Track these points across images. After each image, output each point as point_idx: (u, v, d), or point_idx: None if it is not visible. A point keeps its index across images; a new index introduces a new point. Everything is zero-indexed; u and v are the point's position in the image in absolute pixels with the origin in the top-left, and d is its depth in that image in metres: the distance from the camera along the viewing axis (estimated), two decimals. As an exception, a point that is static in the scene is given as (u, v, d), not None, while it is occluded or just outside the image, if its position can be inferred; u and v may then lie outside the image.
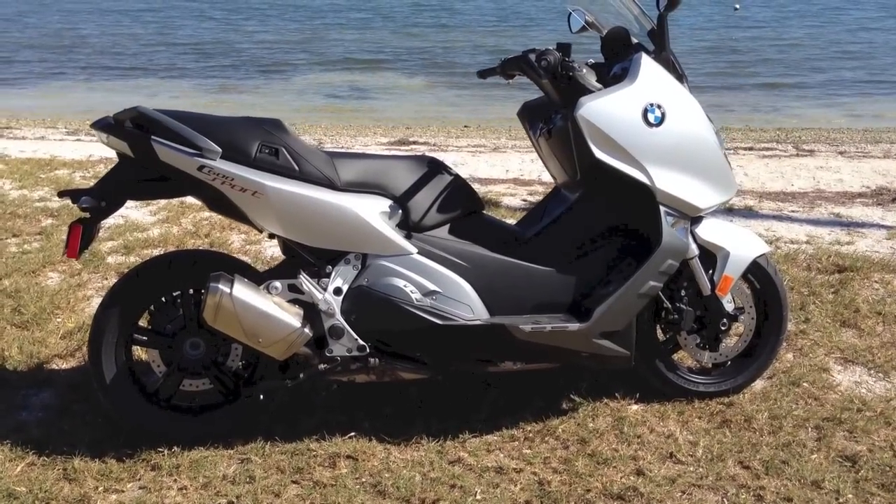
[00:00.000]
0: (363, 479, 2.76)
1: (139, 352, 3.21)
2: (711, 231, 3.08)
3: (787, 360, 3.53)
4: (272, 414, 3.06)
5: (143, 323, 2.96)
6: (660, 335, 3.25)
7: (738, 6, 26.38)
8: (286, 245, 2.85)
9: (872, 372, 3.46)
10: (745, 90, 14.48)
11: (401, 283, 2.81)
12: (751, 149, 9.07)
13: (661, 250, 2.87)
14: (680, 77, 2.96)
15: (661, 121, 2.82)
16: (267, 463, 2.83)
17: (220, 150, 2.64)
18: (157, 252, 4.66)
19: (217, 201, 2.72)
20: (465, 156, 8.43)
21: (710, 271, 3.10)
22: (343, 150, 3.08)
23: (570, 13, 3.15)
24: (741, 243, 3.11)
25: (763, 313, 3.23)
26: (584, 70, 2.92)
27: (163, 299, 2.89)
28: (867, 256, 4.69)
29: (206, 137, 2.64)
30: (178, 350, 2.87)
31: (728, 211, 5.90)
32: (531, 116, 3.20)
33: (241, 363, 2.95)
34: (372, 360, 2.83)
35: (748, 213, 5.89)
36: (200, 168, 2.64)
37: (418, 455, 2.89)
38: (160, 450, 2.85)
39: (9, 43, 20.38)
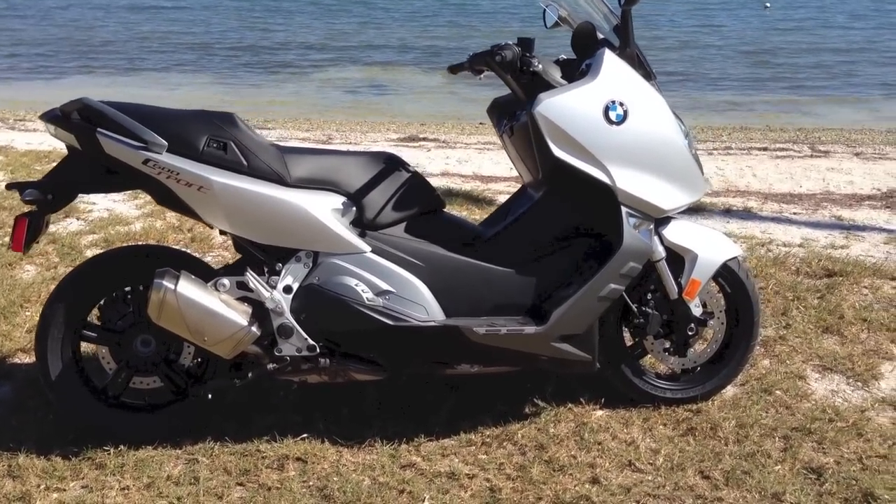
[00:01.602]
0: (310, 483, 2.69)
1: (90, 348, 3.16)
2: (679, 233, 2.99)
3: (762, 366, 3.43)
4: (225, 412, 3.01)
5: (95, 319, 2.91)
6: (628, 339, 3.16)
7: (768, 4, 26.11)
8: (237, 242, 2.79)
9: (851, 380, 3.35)
10: (771, 90, 14.28)
11: (352, 282, 2.74)
12: (765, 149, 8.92)
13: (622, 252, 2.78)
14: (647, 74, 2.87)
15: (623, 119, 2.73)
16: (214, 464, 2.77)
17: (165, 143, 2.59)
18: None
19: (164, 196, 2.66)
20: (471, 153, 8.35)
21: (679, 275, 3.00)
22: (297, 146, 2.99)
23: (545, 8, 3.07)
24: (710, 246, 3.02)
25: (734, 319, 3.14)
26: (547, 66, 2.83)
27: (113, 295, 2.84)
28: (859, 261, 4.57)
29: (153, 130, 2.59)
30: (128, 347, 2.82)
31: (726, 212, 5.80)
32: (499, 113, 3.12)
33: (194, 361, 2.89)
34: (322, 360, 2.77)
35: (746, 215, 5.77)
36: (145, 161, 2.58)
37: (370, 458, 2.83)
38: (106, 448, 2.80)
39: (35, 36, 20.55)
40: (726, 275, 3.08)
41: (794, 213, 5.86)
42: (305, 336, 2.74)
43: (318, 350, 2.76)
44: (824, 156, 8.32)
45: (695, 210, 5.75)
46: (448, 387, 3.22)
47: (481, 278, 2.84)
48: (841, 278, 4.30)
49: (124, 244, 4.61)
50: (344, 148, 8.95)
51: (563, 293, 2.81)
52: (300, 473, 2.74)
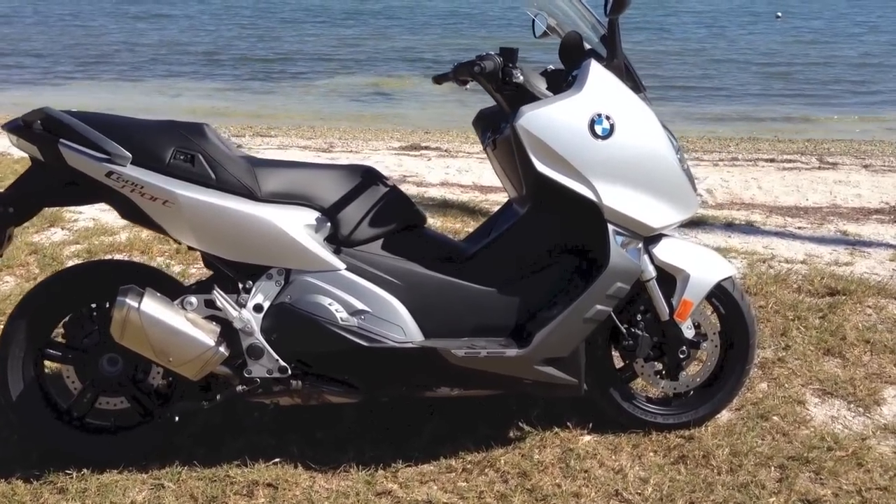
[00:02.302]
0: (280, 511, 2.57)
1: (55, 366, 3.04)
2: (670, 252, 2.86)
3: (759, 390, 3.29)
4: (196, 434, 2.89)
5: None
6: (618, 361, 3.03)
7: (779, 14, 25.98)
8: (206, 258, 2.68)
9: (852, 406, 3.21)
10: (781, 101, 14.16)
11: (325, 300, 2.62)
12: (773, 160, 8.79)
13: (609, 272, 2.65)
14: (636, 86, 2.74)
15: (609, 133, 2.61)
16: (180, 489, 2.65)
17: (129, 155, 2.47)
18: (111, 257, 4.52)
19: (129, 210, 2.55)
20: (472, 162, 8.23)
21: (671, 295, 2.87)
22: (270, 159, 2.87)
23: (534, 18, 2.95)
24: (703, 265, 2.89)
25: (728, 341, 3.00)
26: (532, 77, 2.71)
27: (78, 312, 2.72)
28: (864, 279, 4.42)
29: (117, 141, 2.48)
30: (94, 366, 2.71)
31: (728, 226, 5.66)
32: (484, 125, 3.00)
33: (163, 381, 2.77)
34: (294, 382, 2.65)
35: (749, 229, 5.62)
36: (109, 174, 2.47)
37: (345, 485, 2.70)
38: (69, 472, 2.69)
39: (42, 43, 20.62)
40: (720, 295, 2.95)
41: (799, 228, 5.72)
42: (276, 357, 2.62)
43: (289, 372, 2.64)
44: (832, 168, 8.17)
45: (696, 224, 5.63)
46: (430, 409, 3.09)
47: (462, 298, 2.72)
48: (844, 297, 4.15)
49: (106, 256, 4.51)
50: (344, 156, 8.86)
51: (548, 314, 2.68)
52: (270, 500, 2.61)
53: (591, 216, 2.66)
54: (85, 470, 2.70)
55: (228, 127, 11.62)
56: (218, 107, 13.72)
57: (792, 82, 15.97)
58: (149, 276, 2.72)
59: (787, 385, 3.33)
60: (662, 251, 2.84)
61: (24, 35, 22.31)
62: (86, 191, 2.56)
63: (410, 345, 2.65)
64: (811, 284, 4.31)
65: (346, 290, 2.64)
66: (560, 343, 2.68)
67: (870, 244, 5.26)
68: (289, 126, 11.77)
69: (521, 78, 2.60)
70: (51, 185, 2.59)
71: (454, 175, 7.49)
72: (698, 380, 3.02)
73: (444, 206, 6.09)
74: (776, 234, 5.54)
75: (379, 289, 2.67)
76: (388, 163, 8.00)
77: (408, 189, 6.61)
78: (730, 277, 2.94)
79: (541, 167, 2.59)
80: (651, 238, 2.82)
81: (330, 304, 2.62)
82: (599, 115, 2.59)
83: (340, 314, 2.62)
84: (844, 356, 3.58)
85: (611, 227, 2.66)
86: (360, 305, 2.64)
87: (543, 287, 2.74)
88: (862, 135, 11.33)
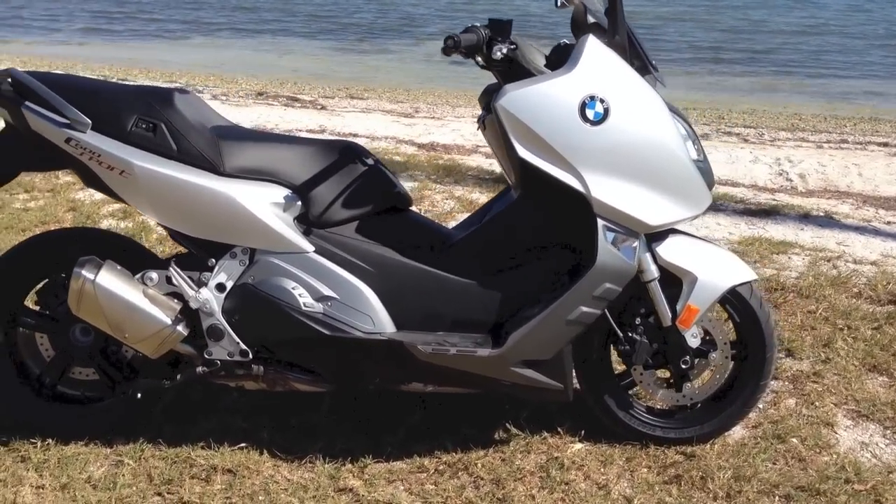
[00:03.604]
0: (233, 500, 2.46)
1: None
2: (677, 251, 2.58)
3: (784, 407, 2.98)
4: (168, 412, 2.82)
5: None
6: (618, 367, 2.79)
7: None
8: (171, 232, 2.57)
9: (888, 433, 2.87)
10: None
11: (289, 284, 2.47)
12: (886, 144, 8.15)
13: (595, 271, 2.41)
14: (643, 67, 2.47)
15: (602, 117, 2.35)
16: (139, 468, 2.58)
17: (89, 121, 2.38)
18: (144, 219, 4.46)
19: (89, 178, 2.47)
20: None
21: (676, 299, 2.61)
22: (246, 130, 2.72)
23: None
24: (715, 268, 2.60)
25: (743, 353, 2.72)
26: (529, 51, 2.47)
27: (55, 279, 2.66)
28: (937, 287, 3.99)
29: (80, 107, 2.38)
30: (66, 335, 2.65)
31: (803, 217, 5.21)
32: (486, 102, 2.77)
33: (137, 355, 2.69)
34: (256, 367, 2.53)
35: (826, 222, 5.17)
36: (67, 140, 2.38)
37: (307, 477, 2.58)
38: (34, 441, 2.65)
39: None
40: (735, 302, 2.66)
41: (888, 223, 5.23)
42: (237, 340, 2.50)
43: (250, 356, 2.51)
44: (958, 158, 7.49)
45: (767, 213, 5.23)
46: (421, 401, 2.92)
47: (439, 289, 2.53)
48: (908, 307, 3.75)
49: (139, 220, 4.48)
50: (424, 122, 8.70)
51: (527, 313, 2.47)
52: (225, 488, 2.51)
53: (581, 208, 2.42)
54: (50, 441, 2.66)
55: (325, 86, 11.62)
56: (318, 64, 13.82)
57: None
58: (122, 248, 2.64)
59: (817, 403, 3.01)
60: (668, 250, 2.57)
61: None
62: (51, 156, 2.48)
63: (377, 337, 2.48)
64: (874, 290, 3.91)
65: (313, 273, 2.49)
66: (539, 345, 2.47)
67: (963, 250, 4.76)
68: (385, 88, 11.68)
69: (502, 54, 2.35)
70: (23, 149, 2.52)
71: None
72: (706, 392, 2.75)
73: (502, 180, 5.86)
74: (857, 228, 5.08)
75: (349, 275, 2.51)
76: (465, 131, 7.79)
77: (477, 160, 6.40)
78: (748, 282, 2.65)
79: (523, 152, 2.36)
80: (656, 235, 2.55)
81: (293, 288, 2.47)
82: (592, 98, 2.34)
83: (304, 299, 2.47)
84: (892, 374, 3.21)
85: (601, 222, 2.41)
86: (326, 291, 2.49)
87: (528, 283, 2.53)
88: None
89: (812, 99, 11.68)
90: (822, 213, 5.32)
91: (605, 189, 2.38)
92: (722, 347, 2.69)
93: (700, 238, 2.72)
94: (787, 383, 3.13)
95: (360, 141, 7.34)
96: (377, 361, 2.51)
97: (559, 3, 2.68)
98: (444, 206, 5.12)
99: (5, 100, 2.42)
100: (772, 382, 3.11)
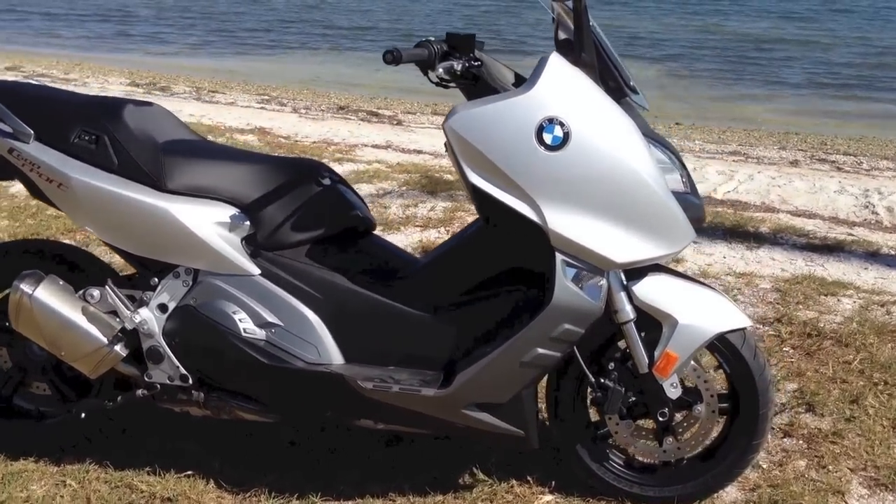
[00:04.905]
0: (164, 532, 2.35)
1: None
2: (657, 291, 2.33)
3: (793, 468, 2.67)
4: (122, 433, 2.73)
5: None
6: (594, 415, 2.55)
7: None
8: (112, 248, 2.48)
9: (908, 507, 2.53)
10: None
11: (230, 308, 2.34)
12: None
13: (551, 311, 2.19)
14: (618, 89, 2.24)
15: (562, 142, 2.13)
16: (80, 491, 2.49)
17: (31, 132, 2.32)
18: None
19: (34, 190, 2.40)
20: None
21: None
22: (206, 146, 2.60)
23: None
24: (700, 313, 2.33)
25: (734, 406, 2.44)
26: (493, 68, 2.27)
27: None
28: None
29: (25, 116, 2.33)
30: (22, 349, 2.59)
31: (871, 255, 4.75)
32: None
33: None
34: (196, 393, 2.40)
35: (868, 256, 4.69)
36: (10, 151, 2.33)
37: (248, 513, 2.43)
38: (-19, 457, 2.60)
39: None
40: (725, 351, 2.39)
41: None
42: (177, 364, 2.38)
43: (190, 381, 2.39)
44: None
45: (829, 249, 4.81)
46: (386, 437, 2.74)
47: (391, 321, 2.35)
48: (960, 364, 3.34)
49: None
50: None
51: (478, 352, 2.26)
52: (160, 518, 2.39)
53: (537, 240, 2.20)
54: (1, 455, 2.60)
55: (412, 102, 11.51)
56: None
57: None
58: (79, 262, 2.56)
59: (830, 467, 2.68)
60: (646, 290, 2.32)
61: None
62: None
63: (318, 368, 2.32)
64: (926, 342, 3.52)
65: (258, 298, 2.35)
66: (491, 387, 2.26)
67: None
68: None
69: (444, 72, 2.15)
70: None
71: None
72: (691, 448, 2.48)
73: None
74: (902, 265, 4.62)
75: (296, 301, 2.36)
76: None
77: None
78: (741, 329, 2.38)
79: (474, 177, 2.16)
80: (634, 272, 2.31)
81: (234, 313, 2.34)
82: (551, 121, 2.12)
83: (245, 325, 2.34)
84: (926, 440, 2.85)
85: (560, 257, 2.18)
86: (270, 318, 2.34)
87: (485, 319, 2.32)
88: None
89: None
90: (893, 252, 4.87)
91: (563, 221, 2.16)
92: (708, 400, 2.42)
93: (688, 277, 2.46)
94: (800, 441, 2.81)
95: (422, 158, 7.24)
96: (319, 394, 2.35)
97: (553, 14, 2.49)
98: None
99: (-38, 109, 2.38)
100: (784, 440, 2.81)
